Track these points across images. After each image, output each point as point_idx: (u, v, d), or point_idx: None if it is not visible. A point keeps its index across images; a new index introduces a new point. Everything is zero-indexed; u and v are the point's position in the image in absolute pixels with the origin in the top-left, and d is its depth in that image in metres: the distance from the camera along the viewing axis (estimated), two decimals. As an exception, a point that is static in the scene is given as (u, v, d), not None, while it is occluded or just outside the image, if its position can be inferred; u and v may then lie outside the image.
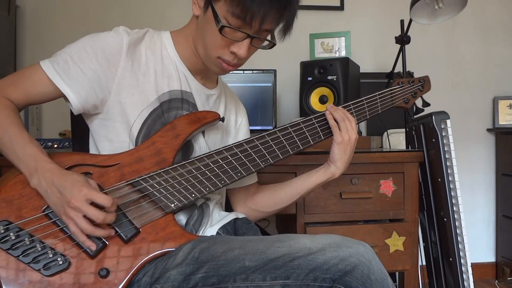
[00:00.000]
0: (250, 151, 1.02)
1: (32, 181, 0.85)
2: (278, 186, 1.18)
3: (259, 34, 0.95)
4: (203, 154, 0.98)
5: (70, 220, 0.83)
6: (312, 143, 1.09)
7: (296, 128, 1.07)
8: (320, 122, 1.10)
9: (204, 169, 0.97)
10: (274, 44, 0.99)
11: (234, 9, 0.89)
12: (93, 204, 0.83)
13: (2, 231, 0.82)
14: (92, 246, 0.85)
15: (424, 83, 1.26)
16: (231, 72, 1.99)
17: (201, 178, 0.97)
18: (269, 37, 1.00)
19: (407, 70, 1.84)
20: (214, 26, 0.92)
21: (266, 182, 1.25)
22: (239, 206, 1.22)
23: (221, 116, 1.03)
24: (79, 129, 1.16)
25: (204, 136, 1.08)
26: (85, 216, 0.82)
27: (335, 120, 1.08)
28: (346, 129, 1.07)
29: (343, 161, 1.09)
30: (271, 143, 1.04)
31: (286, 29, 0.98)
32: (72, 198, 0.81)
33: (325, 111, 1.11)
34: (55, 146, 1.69)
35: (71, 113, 1.14)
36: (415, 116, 1.60)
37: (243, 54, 0.95)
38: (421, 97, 1.30)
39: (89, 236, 0.85)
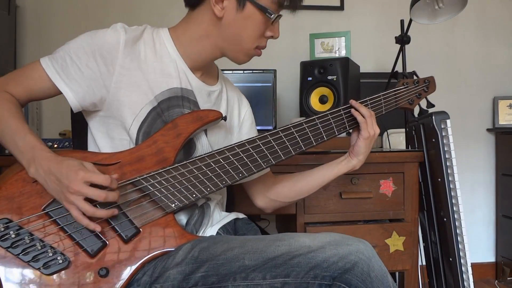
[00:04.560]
0: (252, 151, 1.02)
1: (30, 171, 0.85)
2: (299, 177, 1.19)
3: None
4: (204, 154, 0.98)
5: (71, 205, 0.83)
6: (314, 143, 1.08)
7: (298, 128, 1.07)
8: (323, 122, 1.10)
9: (205, 169, 0.97)
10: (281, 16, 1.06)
11: None
12: (93, 186, 0.83)
13: (2, 229, 0.83)
14: (97, 228, 0.85)
15: (429, 84, 1.25)
16: (231, 72, 2.01)
17: (202, 178, 0.97)
18: None
19: (408, 70, 1.84)
20: (256, 18, 0.99)
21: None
22: (259, 198, 1.22)
23: (223, 115, 1.03)
24: (79, 129, 1.16)
25: (206, 135, 1.07)
26: (86, 200, 0.82)
27: (362, 116, 1.10)
28: (372, 125, 1.10)
29: (366, 155, 1.13)
30: (273, 143, 1.04)
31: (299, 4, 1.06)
32: (71, 183, 0.81)
33: (329, 111, 1.11)
34: (55, 146, 1.69)
35: (71, 112, 1.14)
36: (416, 116, 1.60)
37: (279, 34, 1.05)
38: (426, 98, 1.29)
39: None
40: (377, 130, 1.11)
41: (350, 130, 1.14)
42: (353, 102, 1.12)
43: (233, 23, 0.99)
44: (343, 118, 1.12)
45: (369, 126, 1.09)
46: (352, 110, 1.11)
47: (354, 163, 1.13)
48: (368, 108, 1.14)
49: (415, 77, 1.26)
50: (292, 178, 1.20)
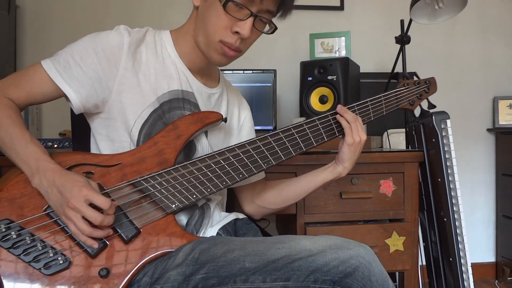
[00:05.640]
0: (252, 152, 1.02)
1: (34, 181, 0.85)
2: (285, 184, 1.19)
3: (261, 13, 0.95)
4: (205, 155, 0.98)
5: (69, 220, 0.83)
6: (315, 144, 1.08)
7: (299, 129, 1.07)
8: (323, 123, 1.09)
9: (205, 170, 0.97)
10: (276, 28, 1.00)
11: None
12: (93, 205, 0.82)
13: (4, 230, 0.83)
14: (94, 245, 0.85)
15: (430, 85, 1.25)
16: (231, 72, 2.01)
17: (203, 179, 0.97)
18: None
19: (408, 70, 1.84)
20: (217, 7, 0.93)
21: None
22: (247, 204, 1.22)
23: (223, 117, 1.03)
24: (79, 129, 1.16)
25: (206, 137, 1.08)
26: (84, 217, 0.82)
27: (346, 121, 1.08)
28: (357, 131, 1.07)
29: (352, 162, 1.10)
30: (273, 144, 1.04)
31: (287, 9, 0.99)
32: (72, 198, 0.81)
33: (329, 112, 1.11)
34: (55, 146, 1.69)
35: (71, 113, 1.14)
36: (416, 117, 1.60)
37: (246, 33, 0.94)
38: (427, 99, 1.29)
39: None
40: (363, 137, 1.08)
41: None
42: (339, 107, 1.10)
43: (201, 12, 0.98)
44: None
45: (353, 132, 1.07)
46: (338, 116, 1.09)
47: (339, 170, 1.11)
48: (356, 114, 1.13)
49: (415, 78, 1.26)
50: (279, 185, 1.20)
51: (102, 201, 0.83)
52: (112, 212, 0.85)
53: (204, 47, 0.99)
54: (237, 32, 0.94)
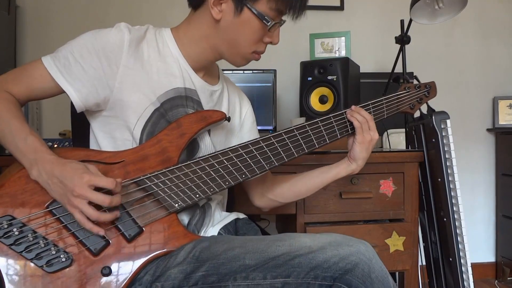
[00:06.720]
0: (256, 152, 1.02)
1: (33, 173, 0.85)
2: (298, 178, 1.19)
3: (283, 18, 1.03)
4: (208, 154, 0.98)
5: (75, 208, 0.82)
6: (317, 146, 1.08)
7: (301, 131, 1.07)
8: (326, 126, 1.09)
9: (209, 170, 0.97)
10: (284, 21, 1.05)
11: (278, 5, 0.97)
12: (97, 189, 0.82)
13: (6, 226, 0.83)
14: (100, 232, 0.84)
15: (431, 89, 1.26)
16: (232, 72, 2.01)
17: (206, 178, 0.97)
18: None
19: (408, 70, 1.85)
20: (253, 23, 0.98)
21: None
22: (257, 197, 1.23)
23: (227, 116, 1.03)
24: (79, 129, 1.16)
25: (209, 135, 1.08)
26: (89, 203, 0.82)
27: (357, 121, 1.09)
28: (368, 130, 1.08)
29: (364, 159, 1.11)
30: (276, 145, 1.04)
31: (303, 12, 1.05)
32: (75, 186, 0.80)
33: (331, 113, 1.11)
34: (55, 146, 1.69)
35: (71, 113, 1.14)
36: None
37: (278, 41, 1.04)
38: (427, 103, 1.29)
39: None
40: (375, 136, 1.09)
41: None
42: (353, 107, 1.11)
43: (231, 26, 0.99)
44: (345, 121, 1.11)
45: (364, 131, 1.08)
46: (348, 115, 1.10)
47: (353, 167, 1.12)
48: (370, 111, 1.14)
49: (416, 82, 1.27)
50: (291, 179, 1.20)
51: (106, 182, 0.83)
52: (119, 190, 0.85)
53: (230, 55, 1.04)
54: (268, 42, 1.03)
